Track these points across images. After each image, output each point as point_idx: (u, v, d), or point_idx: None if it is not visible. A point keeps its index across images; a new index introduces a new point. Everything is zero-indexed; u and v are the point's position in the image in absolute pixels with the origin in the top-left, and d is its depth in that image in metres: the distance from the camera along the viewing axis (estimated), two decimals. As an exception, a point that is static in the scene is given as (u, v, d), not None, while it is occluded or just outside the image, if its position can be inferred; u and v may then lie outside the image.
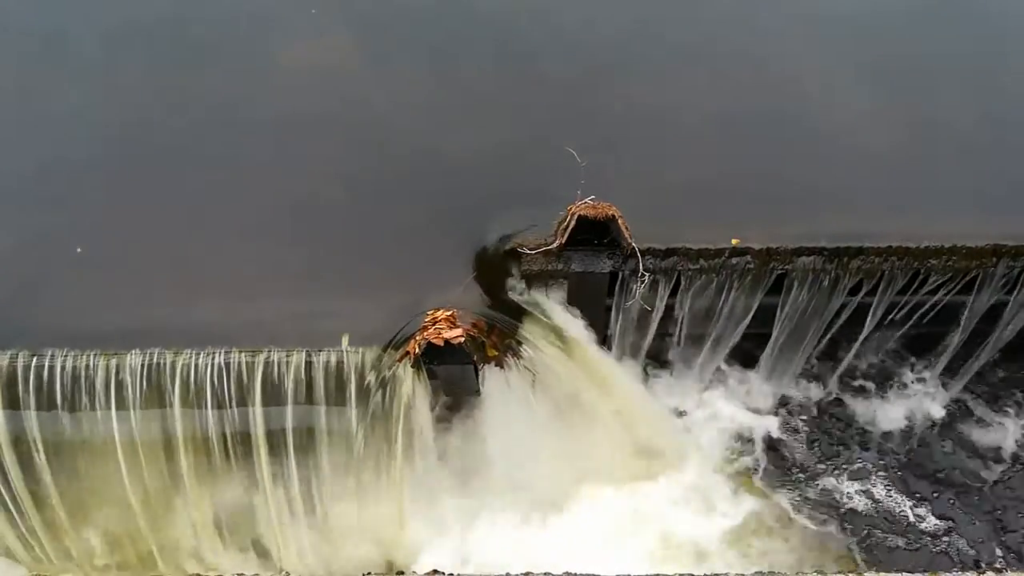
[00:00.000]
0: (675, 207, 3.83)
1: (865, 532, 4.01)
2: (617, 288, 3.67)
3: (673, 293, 3.72)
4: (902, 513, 4.07)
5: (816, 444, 4.28)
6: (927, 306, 3.90)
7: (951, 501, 4.10)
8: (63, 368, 3.27)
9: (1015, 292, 3.81)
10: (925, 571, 3.12)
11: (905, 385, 4.43)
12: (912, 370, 4.45)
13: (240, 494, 3.60)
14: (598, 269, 3.59)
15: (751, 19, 4.80)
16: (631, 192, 3.64)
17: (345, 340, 3.33)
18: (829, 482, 4.16)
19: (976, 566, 3.84)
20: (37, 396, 3.29)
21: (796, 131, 4.16)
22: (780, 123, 4.19)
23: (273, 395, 3.35)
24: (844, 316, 3.87)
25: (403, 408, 3.40)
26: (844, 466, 4.21)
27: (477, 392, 3.62)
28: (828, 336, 4.00)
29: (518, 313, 3.58)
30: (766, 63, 4.51)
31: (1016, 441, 4.29)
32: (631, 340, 3.91)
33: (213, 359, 3.30)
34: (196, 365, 3.30)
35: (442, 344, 3.24)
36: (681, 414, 4.29)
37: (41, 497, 3.50)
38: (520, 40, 4.63)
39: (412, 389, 3.38)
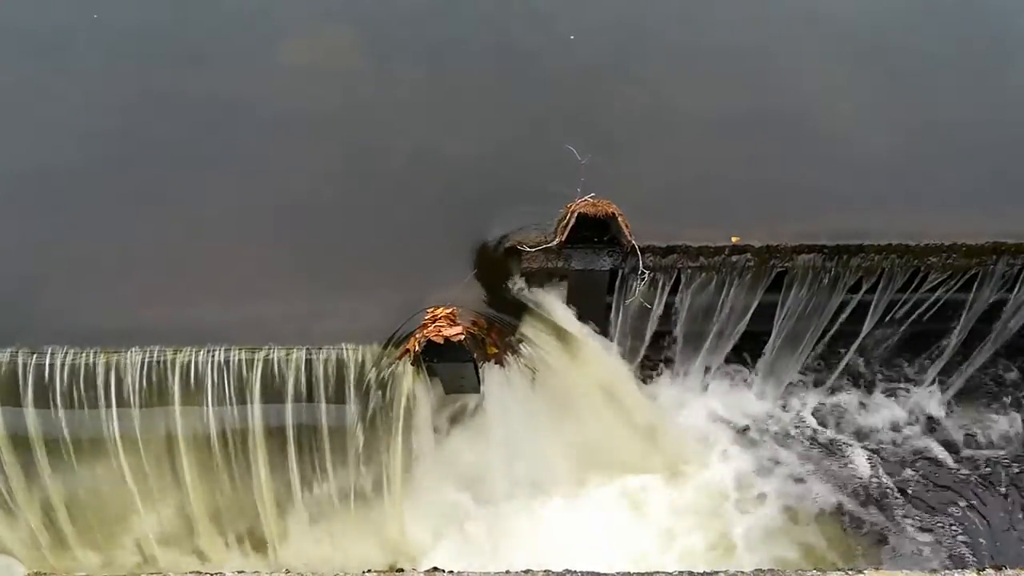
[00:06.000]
0: (675, 205, 3.83)
1: (864, 529, 4.01)
2: (617, 286, 3.67)
3: (673, 291, 3.72)
4: (901, 510, 4.07)
5: (815, 441, 4.28)
6: (927, 304, 3.90)
7: (950, 498, 4.10)
8: (63, 366, 3.27)
9: (1015, 290, 3.82)
10: (925, 570, 3.11)
11: (905, 382, 4.43)
12: (912, 368, 4.44)
13: (240, 491, 3.59)
14: (598, 267, 3.59)
15: (751, 19, 4.80)
16: (631, 190, 3.64)
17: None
18: (828, 479, 4.15)
19: (976, 564, 3.85)
20: (36, 394, 3.29)
21: (796, 129, 4.17)
22: (780, 121, 4.20)
23: (273, 392, 3.35)
24: (844, 314, 3.88)
25: (403, 405, 3.40)
26: (843, 463, 4.21)
27: (477, 390, 3.62)
28: (828, 334, 4.00)
29: (518, 311, 3.58)
30: (766, 62, 4.51)
31: (1016, 439, 4.29)
32: (631, 337, 3.91)
33: (213, 357, 3.30)
34: (196, 363, 3.30)
35: (442, 342, 3.24)
36: (681, 411, 4.29)
37: (40, 495, 3.50)
38: (520, 38, 4.63)
39: (412, 387, 3.38)
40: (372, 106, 4.26)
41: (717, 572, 2.75)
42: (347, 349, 3.35)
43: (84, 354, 3.29)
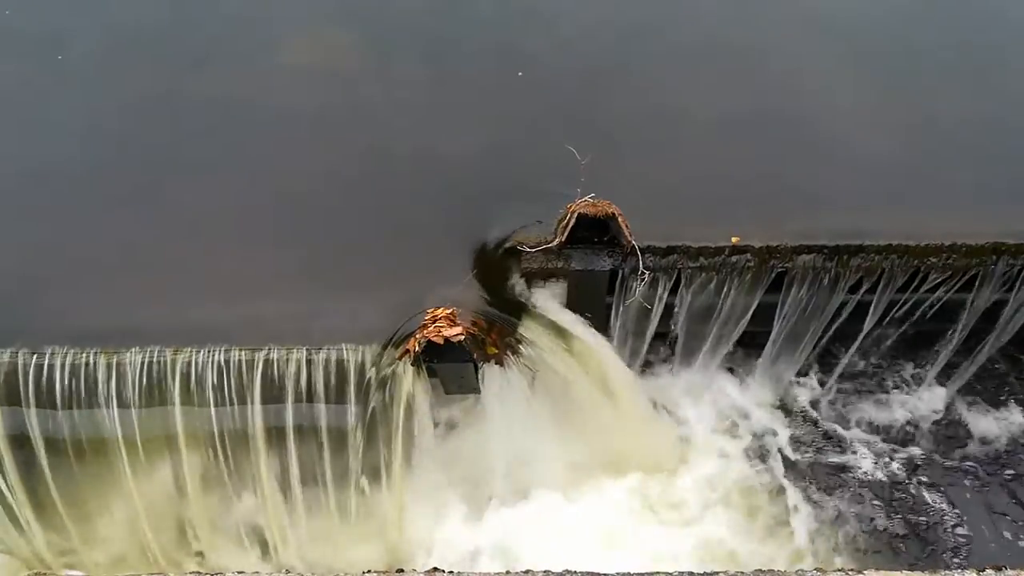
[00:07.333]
0: (675, 205, 3.83)
1: (863, 529, 4.01)
2: (617, 286, 3.67)
3: (673, 291, 3.72)
4: (901, 510, 4.07)
5: (815, 442, 4.28)
6: (927, 304, 3.90)
7: (950, 498, 4.10)
8: (63, 366, 3.27)
9: (1015, 290, 3.81)
10: (925, 570, 3.11)
11: (904, 383, 4.43)
12: (912, 368, 4.45)
13: (240, 491, 3.60)
14: (598, 267, 3.59)
15: (751, 18, 4.81)
16: (631, 190, 3.64)
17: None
18: (828, 479, 4.16)
19: (976, 564, 3.84)
20: (37, 394, 3.29)
21: (796, 129, 4.17)
22: (780, 121, 4.20)
23: (273, 393, 3.35)
24: (844, 314, 3.88)
25: (403, 406, 3.40)
26: (843, 464, 4.21)
27: (477, 390, 3.62)
28: (828, 334, 4.00)
29: (518, 311, 3.58)
30: (766, 62, 4.51)
31: (1016, 439, 4.29)
32: (631, 338, 3.91)
33: (213, 357, 3.30)
34: (196, 363, 3.30)
35: (442, 342, 3.24)
36: (681, 411, 4.29)
37: (41, 495, 3.50)
38: (520, 39, 4.63)
39: (412, 387, 3.38)
40: (372, 106, 4.27)
41: (717, 572, 2.75)
42: (347, 349, 3.35)
43: (84, 354, 3.29)
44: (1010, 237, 3.67)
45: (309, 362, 3.34)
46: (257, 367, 3.32)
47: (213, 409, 3.36)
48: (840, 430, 4.32)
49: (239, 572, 2.90)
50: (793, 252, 3.62)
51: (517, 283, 3.63)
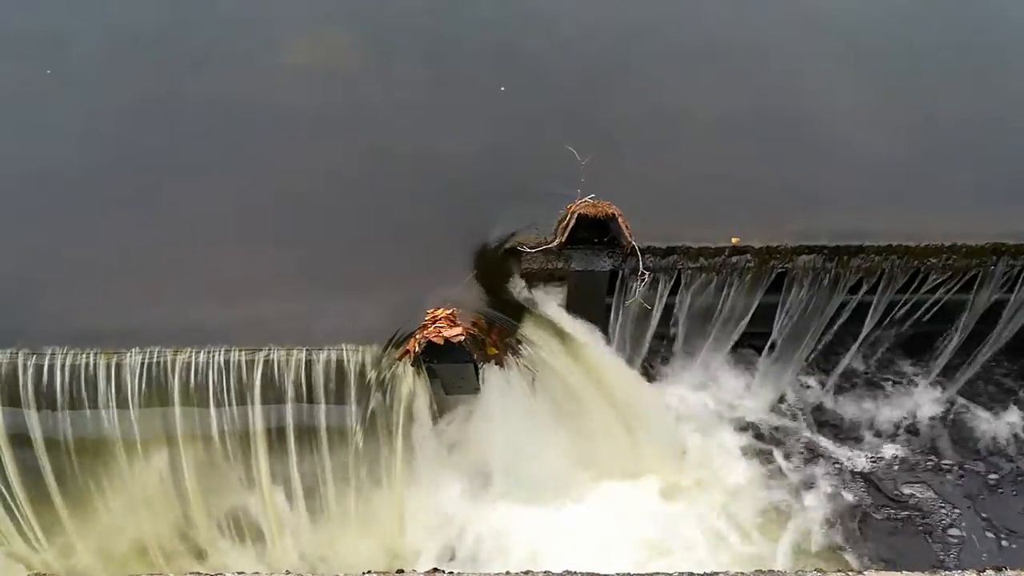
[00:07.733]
0: (675, 205, 3.83)
1: (862, 530, 4.01)
2: (617, 286, 3.67)
3: (673, 291, 3.72)
4: (900, 512, 4.07)
5: (815, 443, 4.28)
6: (927, 305, 3.90)
7: (949, 499, 4.10)
8: (63, 366, 3.27)
9: (1015, 291, 3.82)
10: (925, 571, 3.11)
11: (904, 383, 4.43)
12: (912, 368, 4.45)
13: (240, 493, 3.60)
14: (598, 268, 3.59)
15: (751, 18, 4.81)
16: (631, 190, 3.65)
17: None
18: (827, 480, 4.16)
19: (976, 565, 3.84)
20: (37, 394, 3.29)
21: (796, 130, 4.17)
22: (780, 122, 4.20)
23: (273, 393, 3.35)
24: (844, 315, 3.88)
25: (403, 406, 3.40)
26: (842, 465, 4.21)
27: (477, 391, 3.62)
28: (828, 335, 4.00)
29: (518, 311, 3.58)
30: (766, 62, 4.51)
31: (1015, 440, 4.29)
32: (631, 338, 3.91)
33: (213, 357, 3.30)
34: (196, 363, 3.30)
35: (442, 343, 3.24)
36: (680, 412, 4.29)
37: (41, 496, 3.50)
38: (520, 39, 4.63)
39: (412, 388, 3.38)
40: (372, 106, 4.27)
41: (717, 573, 2.75)
42: (347, 350, 3.36)
43: (84, 354, 3.29)
44: (1010, 237, 3.67)
45: (309, 362, 3.34)
46: (257, 367, 3.32)
47: (213, 410, 3.36)
48: (839, 430, 4.32)
49: (239, 572, 2.89)
50: (793, 252, 3.63)
51: (517, 283, 3.63)
